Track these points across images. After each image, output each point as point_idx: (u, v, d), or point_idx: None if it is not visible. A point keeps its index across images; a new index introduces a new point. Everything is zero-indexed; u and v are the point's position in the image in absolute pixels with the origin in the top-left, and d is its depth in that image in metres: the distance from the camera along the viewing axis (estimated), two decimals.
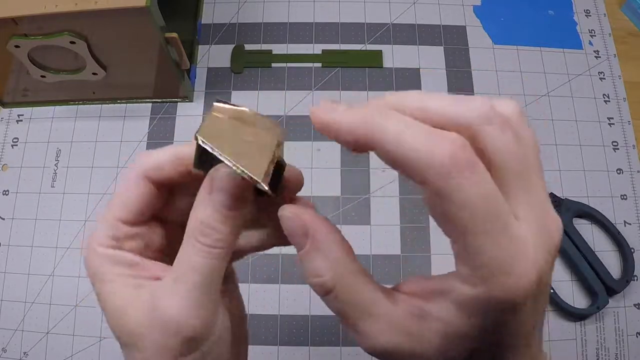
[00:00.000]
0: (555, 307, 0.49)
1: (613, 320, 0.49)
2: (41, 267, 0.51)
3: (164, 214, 0.25)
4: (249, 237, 0.26)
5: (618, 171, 0.54)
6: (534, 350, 0.21)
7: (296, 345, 0.48)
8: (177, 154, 0.23)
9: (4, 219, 0.53)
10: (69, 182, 0.54)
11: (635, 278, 0.50)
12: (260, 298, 0.49)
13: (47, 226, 0.52)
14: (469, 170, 0.17)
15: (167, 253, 0.26)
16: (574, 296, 0.50)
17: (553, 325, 0.49)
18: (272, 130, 0.21)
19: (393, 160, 0.18)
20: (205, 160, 0.21)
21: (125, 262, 0.23)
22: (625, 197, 0.53)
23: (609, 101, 0.57)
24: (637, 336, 0.49)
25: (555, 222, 0.19)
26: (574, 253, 0.49)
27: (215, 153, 0.20)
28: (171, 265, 0.23)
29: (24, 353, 0.49)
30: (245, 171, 0.19)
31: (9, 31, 0.44)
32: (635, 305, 0.50)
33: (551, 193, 0.52)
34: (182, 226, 0.23)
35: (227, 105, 0.21)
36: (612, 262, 0.51)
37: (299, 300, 0.49)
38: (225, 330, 0.23)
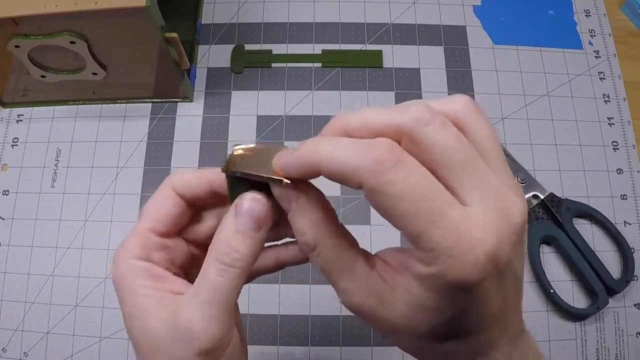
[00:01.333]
0: (555, 307, 0.49)
1: (613, 320, 0.49)
2: (41, 267, 0.51)
3: (187, 234, 0.28)
4: (264, 259, 0.28)
5: (618, 171, 0.54)
6: (510, 331, 0.23)
7: (296, 345, 0.48)
8: (206, 176, 0.26)
9: (4, 219, 0.53)
10: (69, 182, 0.54)
11: (636, 278, 0.50)
12: (260, 298, 0.49)
13: (47, 226, 0.52)
14: (395, 167, 0.19)
15: (187, 271, 0.28)
16: (574, 296, 0.50)
17: (553, 325, 0.49)
18: (279, 148, 0.24)
19: (334, 176, 0.20)
20: (235, 192, 0.24)
21: (152, 275, 0.25)
22: (625, 197, 0.53)
23: (609, 101, 0.57)
24: (637, 336, 0.49)
25: (514, 205, 0.21)
26: (574, 253, 0.49)
27: (240, 171, 0.23)
28: (191, 282, 0.25)
29: (24, 353, 0.49)
30: (268, 175, 0.23)
31: (9, 31, 0.44)
32: (635, 305, 0.50)
33: (551, 193, 0.52)
34: (204, 246, 0.25)
35: (242, 145, 0.24)
36: (612, 262, 0.51)
37: (299, 300, 0.49)
38: (237, 343, 0.25)
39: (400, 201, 0.19)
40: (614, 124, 0.56)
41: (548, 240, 0.51)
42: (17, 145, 0.55)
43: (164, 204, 0.26)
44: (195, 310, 0.23)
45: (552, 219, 0.51)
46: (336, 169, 0.20)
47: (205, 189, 0.26)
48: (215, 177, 0.26)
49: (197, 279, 0.24)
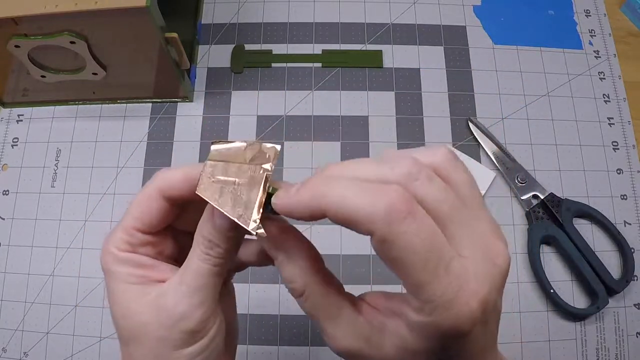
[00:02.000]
0: (555, 307, 0.49)
1: (613, 320, 0.49)
2: (41, 267, 0.51)
3: (176, 225, 0.28)
4: (248, 253, 0.29)
5: (618, 171, 0.54)
6: (491, 358, 0.24)
7: (296, 345, 0.48)
8: (187, 174, 0.26)
9: (4, 219, 0.53)
10: (69, 182, 0.54)
11: (636, 278, 0.50)
12: (260, 298, 0.49)
13: (47, 226, 0.52)
14: (407, 218, 0.19)
15: (177, 259, 0.28)
16: (574, 296, 0.50)
17: (553, 325, 0.49)
18: (263, 157, 0.24)
19: (343, 221, 0.20)
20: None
21: (137, 264, 0.26)
22: (625, 197, 0.53)
23: (609, 101, 0.57)
24: (637, 336, 0.49)
25: (501, 251, 0.22)
26: (573, 253, 0.49)
27: (214, 204, 0.23)
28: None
29: (24, 353, 0.49)
30: (239, 222, 0.23)
31: (9, 31, 0.44)
32: (635, 305, 0.50)
33: (551, 193, 0.52)
34: (192, 235, 0.26)
35: (221, 146, 0.24)
36: (612, 262, 0.51)
37: None
38: (220, 329, 0.26)
39: (411, 252, 0.20)
40: (614, 124, 0.56)
41: (548, 241, 0.51)
42: (17, 145, 0.55)
43: (148, 205, 0.26)
44: (180, 294, 0.24)
45: (552, 219, 0.51)
46: (346, 215, 0.20)
47: (191, 189, 0.25)
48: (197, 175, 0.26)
49: (182, 266, 0.25)
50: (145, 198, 0.26)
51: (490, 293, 0.21)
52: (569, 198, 0.52)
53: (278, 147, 0.24)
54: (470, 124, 0.55)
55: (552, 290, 0.49)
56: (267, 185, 0.23)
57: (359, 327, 0.24)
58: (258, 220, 0.23)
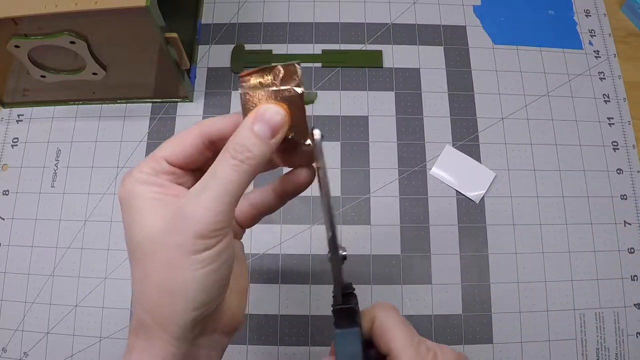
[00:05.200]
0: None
1: (613, 320, 0.49)
2: (41, 267, 0.51)
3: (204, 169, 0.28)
4: (265, 195, 0.32)
5: (618, 171, 0.54)
6: None
7: (296, 345, 0.48)
8: (227, 117, 0.28)
9: (4, 219, 0.53)
10: (69, 182, 0.54)
11: (636, 278, 0.50)
12: (260, 298, 0.49)
13: (47, 226, 0.52)
14: None
15: None
16: None
17: (553, 325, 0.49)
18: (289, 77, 0.27)
19: None
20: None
21: (156, 183, 0.26)
22: (625, 197, 0.53)
23: (609, 101, 0.57)
24: (637, 336, 0.49)
25: None
26: None
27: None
28: None
29: (24, 353, 0.49)
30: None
31: (9, 31, 0.44)
32: (635, 305, 0.50)
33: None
34: None
35: (248, 78, 0.27)
36: None
37: (299, 300, 0.49)
38: (231, 252, 0.26)
39: None
40: (614, 124, 0.56)
41: None
42: (17, 145, 0.55)
43: (184, 139, 0.27)
44: (200, 199, 0.24)
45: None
46: None
47: (230, 129, 0.27)
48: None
49: (204, 175, 0.25)
50: (183, 134, 0.27)
51: None
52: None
53: (298, 64, 0.27)
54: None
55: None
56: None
57: None
58: (311, 133, 0.27)
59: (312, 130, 0.27)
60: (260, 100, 0.27)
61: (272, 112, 0.26)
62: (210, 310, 0.26)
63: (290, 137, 0.27)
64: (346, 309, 0.29)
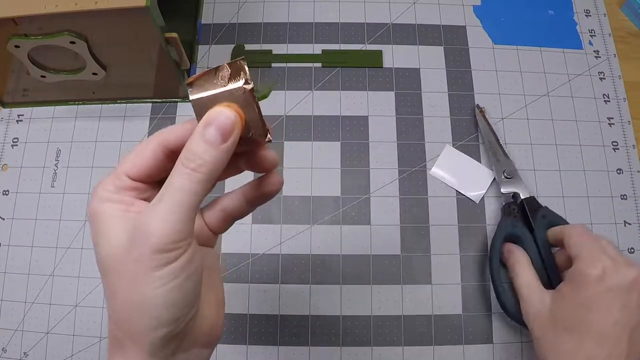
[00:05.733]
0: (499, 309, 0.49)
1: None
2: (41, 267, 0.51)
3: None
4: (233, 201, 0.31)
5: (618, 171, 0.54)
6: None
7: (296, 345, 0.48)
8: (185, 125, 0.27)
9: (4, 219, 0.53)
10: (69, 182, 0.54)
11: None
12: (260, 298, 0.49)
13: (47, 226, 0.52)
14: None
15: None
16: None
17: None
18: (237, 73, 0.26)
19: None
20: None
21: (119, 200, 0.26)
22: (625, 197, 0.53)
23: (609, 101, 0.57)
24: None
25: None
26: (536, 260, 0.47)
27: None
28: None
29: (24, 353, 0.49)
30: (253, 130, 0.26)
31: (9, 31, 0.44)
32: None
33: (532, 197, 0.50)
34: None
35: (195, 83, 0.26)
36: None
37: (299, 300, 0.49)
38: (197, 256, 0.25)
39: None
40: (614, 124, 0.56)
41: (512, 239, 0.49)
42: (17, 145, 0.55)
43: (143, 152, 0.27)
44: (155, 212, 0.24)
45: (524, 221, 0.49)
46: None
47: (187, 137, 0.26)
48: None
49: (163, 186, 0.25)
50: (142, 146, 0.27)
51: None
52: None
53: (242, 60, 0.26)
54: (477, 110, 0.55)
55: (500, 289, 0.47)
56: (256, 98, 0.26)
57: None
58: (268, 130, 0.26)
59: (270, 128, 0.27)
60: (210, 104, 0.26)
61: (221, 116, 0.25)
62: (182, 326, 0.25)
63: (250, 135, 0.27)
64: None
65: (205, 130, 0.25)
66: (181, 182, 0.24)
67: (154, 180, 0.27)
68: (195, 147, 0.25)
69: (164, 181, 0.26)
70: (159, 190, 0.27)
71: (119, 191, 0.26)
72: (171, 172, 0.25)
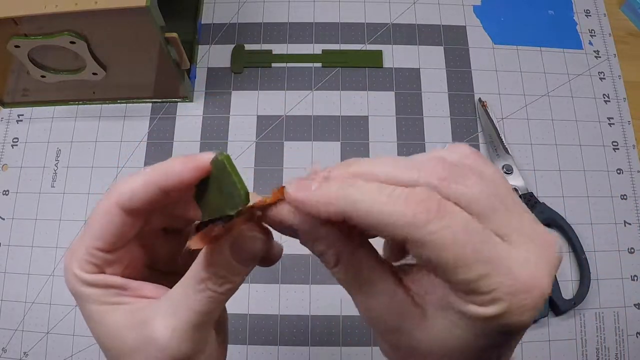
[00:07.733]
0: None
1: (613, 320, 0.49)
2: (41, 267, 0.51)
3: (141, 232, 0.25)
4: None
5: (618, 171, 0.54)
6: None
7: (296, 345, 0.48)
8: (147, 181, 0.23)
9: (4, 219, 0.53)
10: (69, 182, 0.54)
11: (636, 278, 0.50)
12: (260, 298, 0.49)
13: (47, 226, 0.52)
14: (437, 216, 0.18)
15: (149, 265, 0.27)
16: None
17: (553, 325, 0.49)
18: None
19: (370, 227, 0.19)
20: (202, 194, 0.23)
21: (106, 284, 0.24)
22: (625, 197, 0.53)
23: (609, 101, 0.57)
24: (637, 336, 0.49)
25: (551, 240, 0.21)
26: None
27: (231, 172, 0.20)
28: (156, 279, 0.25)
29: (24, 353, 0.49)
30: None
31: (9, 31, 0.44)
32: (635, 305, 0.50)
33: (530, 192, 0.51)
34: (164, 231, 0.25)
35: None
36: (567, 284, 0.49)
37: (299, 300, 0.49)
38: (213, 350, 0.25)
39: (450, 248, 0.18)
40: (614, 124, 0.56)
41: None
42: (17, 145, 0.55)
43: (107, 221, 0.23)
44: (170, 327, 0.23)
45: None
46: (375, 222, 0.19)
47: (155, 195, 0.23)
48: (166, 181, 0.23)
49: (173, 292, 0.23)
50: (102, 215, 0.23)
51: (550, 285, 0.19)
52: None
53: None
54: (479, 104, 0.55)
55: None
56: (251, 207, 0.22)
57: (397, 302, 0.22)
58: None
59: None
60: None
61: (249, 238, 0.23)
62: None
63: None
64: None
65: (236, 254, 0.23)
66: (201, 305, 0.23)
67: (125, 243, 0.24)
68: (223, 270, 0.23)
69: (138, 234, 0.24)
70: (136, 246, 0.25)
71: (99, 269, 0.24)
72: (184, 287, 0.23)
